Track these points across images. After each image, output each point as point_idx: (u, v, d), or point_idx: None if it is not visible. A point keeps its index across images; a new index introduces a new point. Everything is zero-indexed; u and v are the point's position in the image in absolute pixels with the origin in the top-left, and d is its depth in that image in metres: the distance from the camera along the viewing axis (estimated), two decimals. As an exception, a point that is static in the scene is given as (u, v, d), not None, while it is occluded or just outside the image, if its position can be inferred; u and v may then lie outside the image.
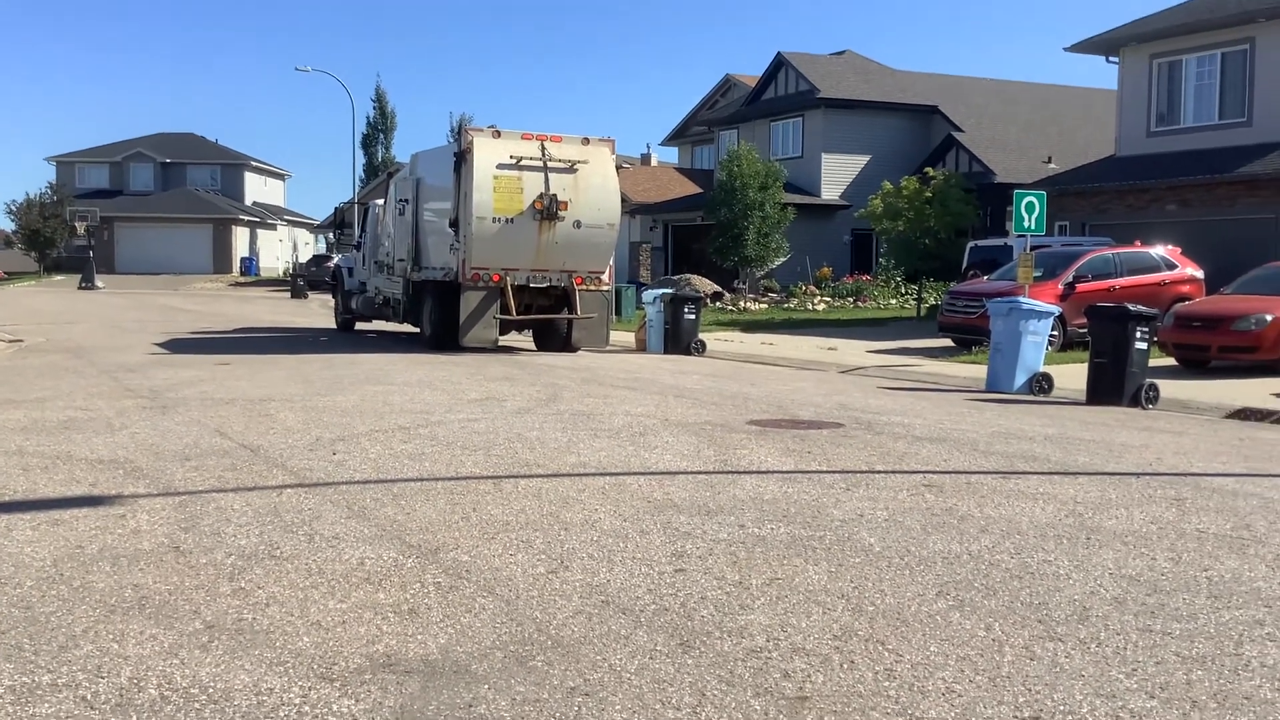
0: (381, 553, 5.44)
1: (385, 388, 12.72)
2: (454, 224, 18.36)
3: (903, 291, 35.31)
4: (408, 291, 20.74)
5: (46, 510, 6.18)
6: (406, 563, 5.29)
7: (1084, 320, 19.10)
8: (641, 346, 20.68)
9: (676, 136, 58.18)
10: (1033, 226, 17.07)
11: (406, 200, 20.59)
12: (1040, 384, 13.96)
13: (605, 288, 19.29)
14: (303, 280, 49.11)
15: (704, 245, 38.36)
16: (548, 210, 18.16)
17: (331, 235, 39.69)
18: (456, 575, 5.10)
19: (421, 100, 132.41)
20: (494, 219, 18.03)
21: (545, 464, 7.92)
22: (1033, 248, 18.75)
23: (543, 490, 6.98)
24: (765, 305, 34.35)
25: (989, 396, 13.54)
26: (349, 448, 8.41)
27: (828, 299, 34.88)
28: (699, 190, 44.72)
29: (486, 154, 18.12)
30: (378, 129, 74.44)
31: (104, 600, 4.66)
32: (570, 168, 18.49)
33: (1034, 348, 14.25)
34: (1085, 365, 13.65)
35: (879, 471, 7.84)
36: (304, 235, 78.82)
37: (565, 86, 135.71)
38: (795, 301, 34.54)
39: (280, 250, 73.25)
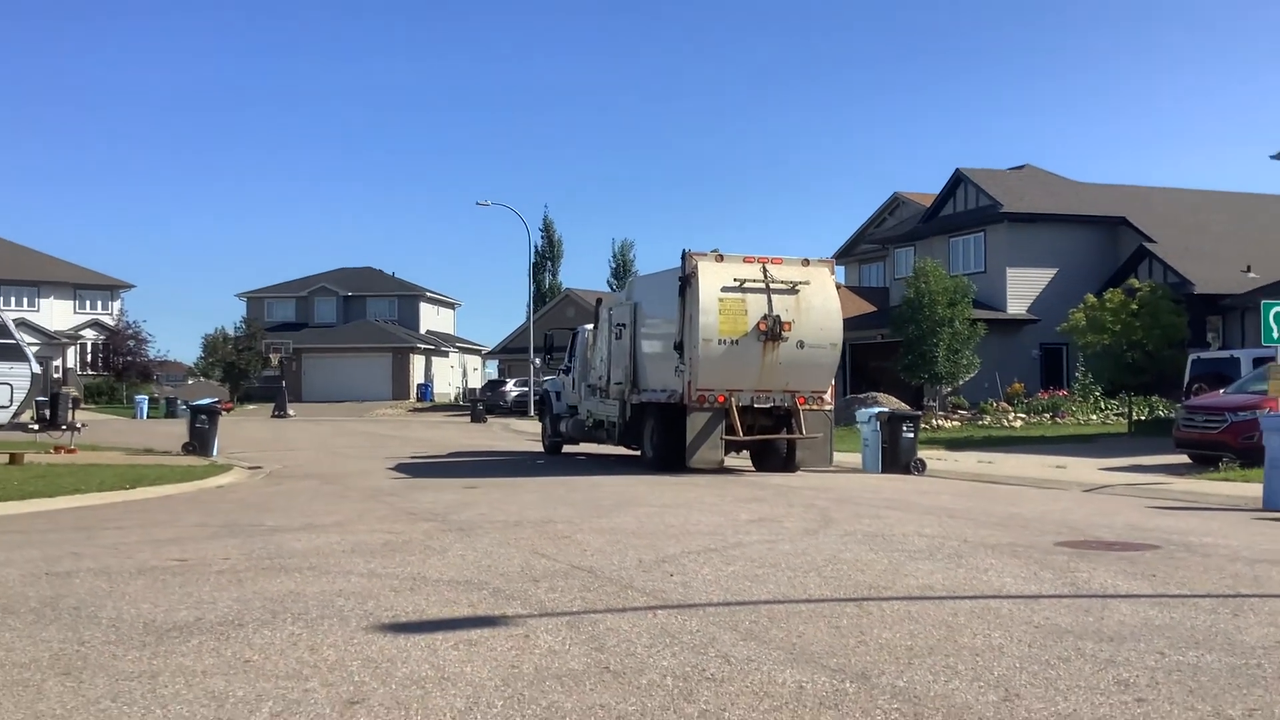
0: (812, 677, 5.37)
1: (649, 509, 12.81)
2: (679, 346, 18.61)
3: (1102, 406, 34.21)
4: (624, 414, 20.92)
5: (451, 630, 6.32)
6: (846, 688, 5.20)
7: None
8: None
9: (843, 254, 58.25)
10: (1285, 338, 16.42)
11: (624, 324, 20.94)
12: (1325, 501, 13.21)
13: (828, 407, 19.22)
14: (481, 404, 50.63)
15: (882, 363, 38.00)
16: (771, 331, 18.33)
17: (538, 360, 40.97)
18: (908, 701, 4.98)
19: (577, 226, 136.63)
20: (719, 341, 18.26)
21: (887, 586, 7.79)
22: (1258, 360, 17.96)
23: (912, 613, 6.84)
24: (956, 423, 33.68)
25: (1275, 515, 12.85)
26: (678, 569, 8.43)
27: (1023, 415, 34.00)
28: (872, 308, 44.46)
29: (711, 277, 18.45)
30: (545, 257, 76.97)
31: (584, 721, 4.71)
32: (792, 289, 18.68)
33: (1314, 463, 13.54)
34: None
35: (1251, 595, 7.46)
36: (472, 360, 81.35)
37: (726, 205, 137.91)
38: (989, 419, 33.74)
39: (451, 376, 75.72)
